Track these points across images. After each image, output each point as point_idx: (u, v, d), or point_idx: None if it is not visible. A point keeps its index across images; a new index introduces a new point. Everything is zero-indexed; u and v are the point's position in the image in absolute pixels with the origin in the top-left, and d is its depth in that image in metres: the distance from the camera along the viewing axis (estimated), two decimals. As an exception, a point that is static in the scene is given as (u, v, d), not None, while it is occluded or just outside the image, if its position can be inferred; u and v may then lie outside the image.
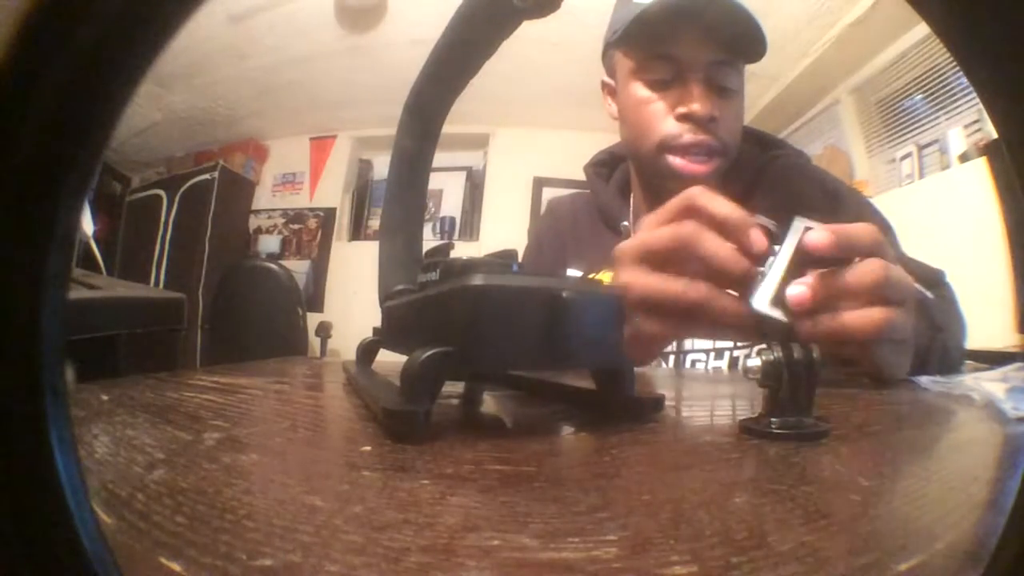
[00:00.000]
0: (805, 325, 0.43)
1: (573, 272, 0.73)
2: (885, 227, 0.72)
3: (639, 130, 0.70)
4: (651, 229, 0.43)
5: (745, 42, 0.65)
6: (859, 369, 0.46)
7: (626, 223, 0.73)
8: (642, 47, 0.68)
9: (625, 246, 0.44)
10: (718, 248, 0.39)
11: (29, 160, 0.10)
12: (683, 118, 0.65)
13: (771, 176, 0.73)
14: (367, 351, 0.46)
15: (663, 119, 0.66)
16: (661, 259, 0.41)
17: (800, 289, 0.40)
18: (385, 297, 0.42)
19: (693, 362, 0.68)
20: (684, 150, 0.66)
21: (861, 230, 0.42)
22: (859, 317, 0.42)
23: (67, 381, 0.11)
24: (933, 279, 0.66)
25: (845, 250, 0.41)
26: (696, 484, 0.22)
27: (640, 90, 0.68)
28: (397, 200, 0.49)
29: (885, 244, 0.44)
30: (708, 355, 0.68)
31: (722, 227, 0.40)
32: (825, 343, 0.43)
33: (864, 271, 0.42)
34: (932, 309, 0.56)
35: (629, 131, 0.71)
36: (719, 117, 0.65)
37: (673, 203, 0.43)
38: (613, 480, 0.22)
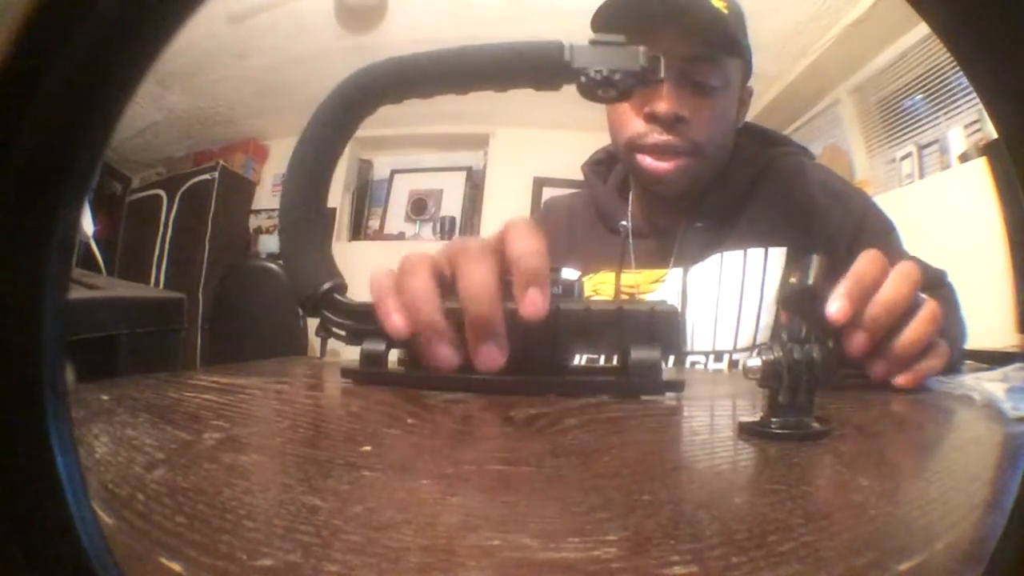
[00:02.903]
0: (880, 368, 0.42)
1: (568, 272, 0.72)
2: (889, 227, 0.72)
3: (614, 130, 0.70)
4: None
5: (716, 34, 0.63)
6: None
7: (624, 222, 0.73)
8: None
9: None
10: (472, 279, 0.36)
11: (29, 160, 0.10)
12: (649, 118, 0.64)
13: (773, 175, 0.72)
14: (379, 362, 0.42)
15: (633, 119, 0.66)
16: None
17: (839, 303, 0.40)
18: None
19: (692, 363, 0.68)
20: (650, 149, 0.65)
21: (868, 267, 0.42)
22: (918, 329, 0.42)
23: (67, 381, 0.11)
24: (935, 279, 0.66)
25: (867, 299, 0.41)
26: (696, 484, 0.22)
27: None
28: (307, 195, 0.48)
29: (887, 255, 0.44)
30: (707, 357, 0.68)
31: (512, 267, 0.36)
32: (905, 369, 0.42)
33: (898, 288, 0.41)
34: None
35: (609, 130, 0.71)
36: (689, 116, 0.63)
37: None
38: (613, 480, 0.22)
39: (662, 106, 0.63)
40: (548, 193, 3.22)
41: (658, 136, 0.64)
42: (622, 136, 0.68)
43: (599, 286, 0.72)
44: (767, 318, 0.66)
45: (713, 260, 0.68)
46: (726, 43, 0.65)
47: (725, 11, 0.64)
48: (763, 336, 0.66)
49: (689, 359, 0.68)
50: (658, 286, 0.70)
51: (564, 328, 0.38)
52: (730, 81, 0.66)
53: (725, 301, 0.68)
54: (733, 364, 0.66)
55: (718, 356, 0.67)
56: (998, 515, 0.17)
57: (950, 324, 0.54)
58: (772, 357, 0.29)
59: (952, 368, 0.55)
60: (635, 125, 0.65)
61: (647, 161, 0.66)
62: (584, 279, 0.74)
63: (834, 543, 0.16)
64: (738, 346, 0.67)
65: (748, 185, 0.71)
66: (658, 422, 0.33)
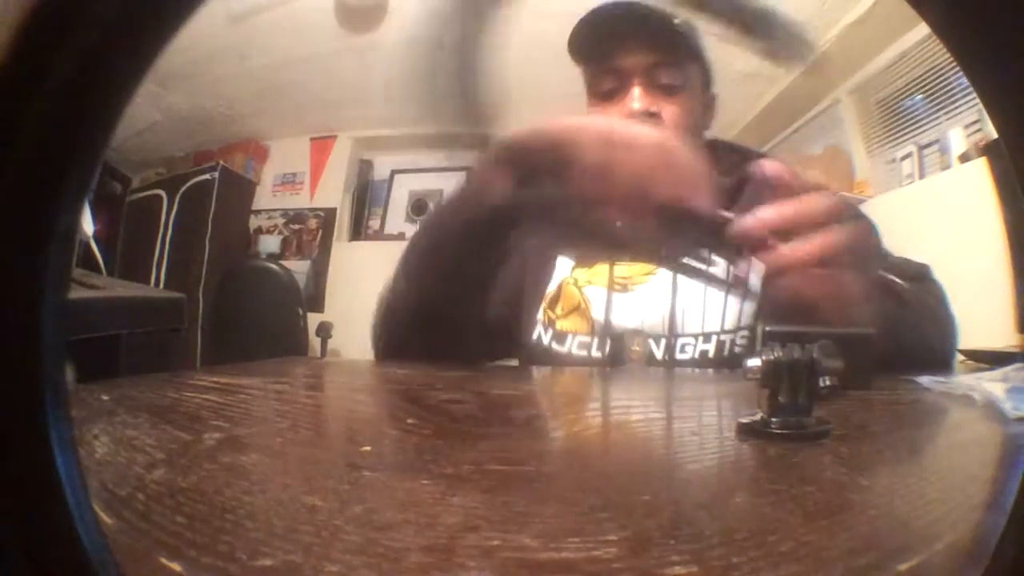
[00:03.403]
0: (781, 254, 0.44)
1: (566, 261, 0.78)
2: (868, 226, 0.75)
3: None
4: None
5: (671, 40, 0.71)
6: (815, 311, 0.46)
7: (619, 223, 0.77)
8: (582, 61, 0.74)
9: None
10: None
11: (29, 160, 0.10)
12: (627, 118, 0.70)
13: (755, 184, 0.75)
14: None
15: None
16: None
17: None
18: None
19: (683, 346, 0.70)
20: None
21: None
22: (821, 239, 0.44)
23: (67, 381, 0.11)
24: (918, 274, 0.67)
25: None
26: (696, 484, 0.22)
27: (593, 104, 0.74)
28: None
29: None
30: (696, 339, 0.69)
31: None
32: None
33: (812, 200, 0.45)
34: (901, 290, 0.59)
35: None
36: (661, 112, 0.70)
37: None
38: (613, 480, 0.22)
39: (636, 107, 0.70)
40: (548, 193, 3.22)
41: None
42: None
43: (593, 277, 0.75)
44: (751, 304, 0.70)
45: (704, 252, 0.71)
46: (682, 47, 0.72)
47: (676, 21, 0.71)
48: (747, 319, 0.69)
49: (679, 341, 0.69)
50: (650, 277, 0.74)
51: None
52: (691, 82, 0.73)
53: (713, 287, 0.71)
54: (720, 345, 0.69)
55: (706, 337, 0.70)
56: (998, 515, 0.17)
57: (860, 241, 0.56)
58: (772, 357, 0.29)
59: (939, 362, 0.57)
60: None
61: None
62: (580, 269, 0.77)
63: (834, 543, 0.16)
64: (724, 328, 0.70)
65: (731, 191, 0.73)
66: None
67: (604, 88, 0.72)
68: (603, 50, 0.71)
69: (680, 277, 0.72)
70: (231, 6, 2.39)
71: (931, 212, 1.98)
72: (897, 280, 0.60)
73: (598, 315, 0.72)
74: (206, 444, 0.25)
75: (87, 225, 1.32)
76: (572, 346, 0.72)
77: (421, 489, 0.19)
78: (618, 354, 0.71)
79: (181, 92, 2.81)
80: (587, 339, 0.72)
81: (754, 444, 0.27)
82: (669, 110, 0.71)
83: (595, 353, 0.71)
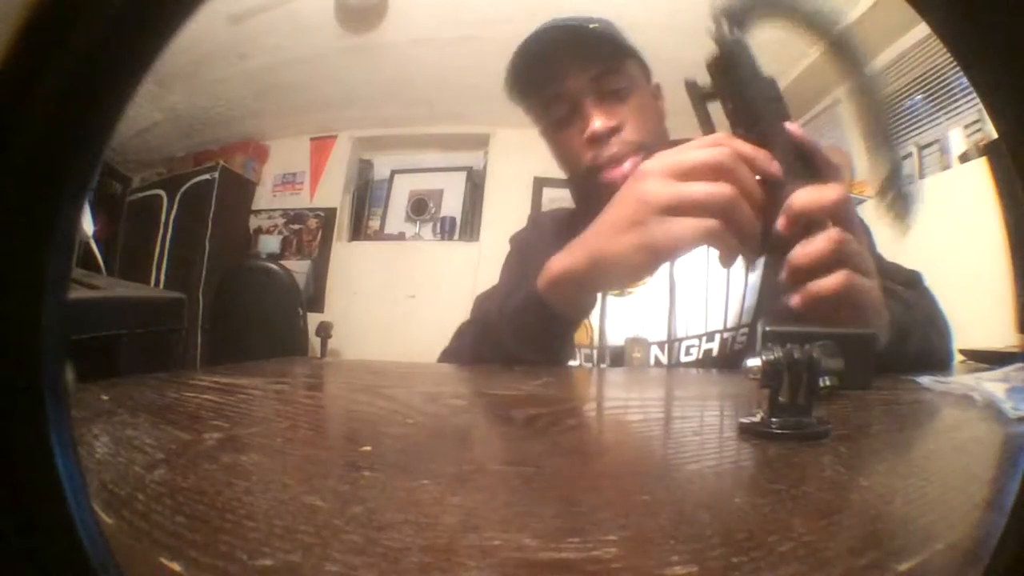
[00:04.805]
0: (795, 294, 0.45)
1: None
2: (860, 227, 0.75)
3: (568, 167, 0.75)
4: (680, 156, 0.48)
5: (603, 47, 0.70)
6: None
7: None
8: (528, 98, 0.74)
9: (652, 162, 0.49)
10: (747, 174, 0.45)
11: (29, 160, 0.10)
12: (591, 140, 0.70)
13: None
14: None
15: (579, 151, 0.71)
16: (688, 176, 0.47)
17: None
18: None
19: (688, 348, 0.69)
20: (607, 163, 0.71)
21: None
22: (812, 242, 0.46)
23: (67, 381, 0.11)
24: (909, 279, 0.67)
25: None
26: (696, 484, 0.22)
27: (552, 134, 0.74)
28: None
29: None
30: (700, 340, 0.70)
31: (749, 162, 0.46)
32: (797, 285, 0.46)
33: (809, 198, 0.46)
34: (901, 293, 0.59)
35: (564, 170, 0.77)
36: (620, 122, 0.70)
37: (703, 139, 0.48)
38: (613, 480, 0.22)
39: (596, 125, 0.69)
40: (548, 193, 3.22)
41: (608, 150, 0.70)
42: (579, 167, 0.73)
43: None
44: (751, 299, 0.70)
45: (699, 251, 0.72)
46: (613, 49, 0.71)
47: (598, 27, 0.71)
48: (748, 316, 0.69)
49: (684, 344, 0.69)
50: (647, 279, 0.73)
51: None
52: (635, 80, 0.73)
53: (713, 286, 0.71)
54: (724, 343, 0.69)
55: (710, 336, 0.70)
56: (998, 515, 0.17)
57: (862, 257, 0.56)
58: (772, 357, 0.29)
59: (937, 363, 0.57)
60: (584, 154, 0.71)
61: (611, 173, 0.71)
62: None
63: (834, 543, 0.16)
64: (727, 326, 0.70)
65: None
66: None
67: (557, 116, 0.71)
68: (542, 80, 0.70)
69: (677, 279, 0.71)
70: (231, 6, 2.39)
71: (931, 212, 1.98)
72: (898, 287, 0.60)
73: (595, 323, 0.72)
74: (206, 444, 0.25)
75: (87, 225, 1.32)
76: (580, 360, 0.73)
77: (421, 489, 0.19)
78: (620, 361, 0.71)
79: (181, 92, 2.81)
80: (588, 351, 0.72)
81: (754, 444, 0.27)
82: (627, 116, 0.70)
83: (601, 365, 0.71)
